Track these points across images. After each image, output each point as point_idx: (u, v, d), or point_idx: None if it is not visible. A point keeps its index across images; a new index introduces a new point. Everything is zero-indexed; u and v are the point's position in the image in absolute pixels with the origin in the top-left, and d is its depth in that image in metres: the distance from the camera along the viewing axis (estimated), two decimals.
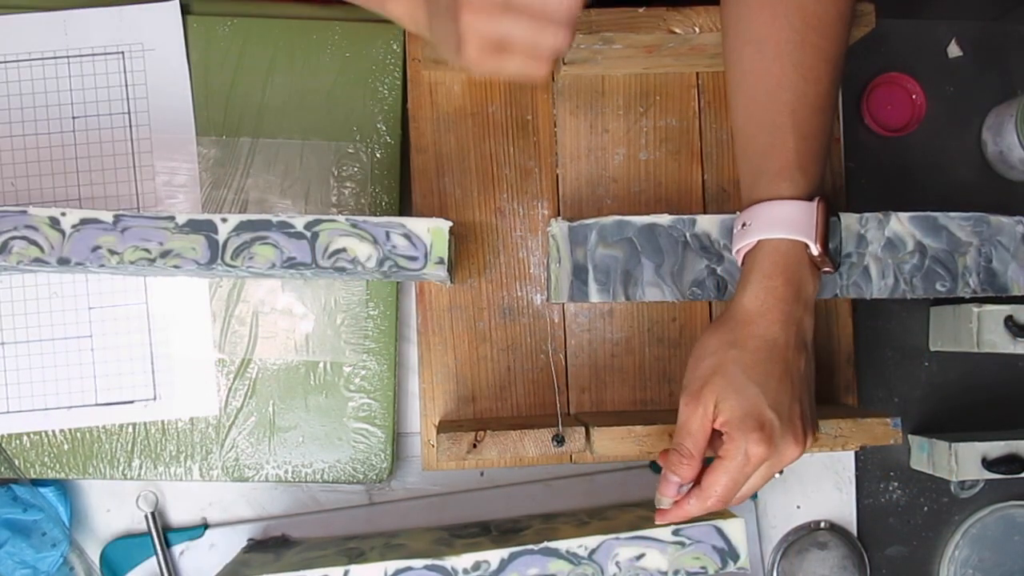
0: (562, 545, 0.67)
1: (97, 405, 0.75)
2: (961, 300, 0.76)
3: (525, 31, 0.49)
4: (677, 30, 0.69)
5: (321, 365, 0.76)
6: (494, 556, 0.66)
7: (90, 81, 0.76)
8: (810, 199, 0.60)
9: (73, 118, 0.76)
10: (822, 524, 0.80)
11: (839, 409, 0.74)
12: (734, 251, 0.63)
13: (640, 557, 0.67)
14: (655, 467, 0.79)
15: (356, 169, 0.77)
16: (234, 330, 0.76)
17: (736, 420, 0.57)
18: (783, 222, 0.59)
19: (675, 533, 0.67)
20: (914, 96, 0.81)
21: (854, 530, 0.80)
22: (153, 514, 0.76)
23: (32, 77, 0.75)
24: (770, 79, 0.60)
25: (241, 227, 0.65)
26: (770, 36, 0.60)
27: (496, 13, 0.49)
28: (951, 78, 0.83)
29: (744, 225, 0.61)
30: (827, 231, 0.61)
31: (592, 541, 0.67)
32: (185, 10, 0.76)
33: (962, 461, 0.74)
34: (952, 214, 0.71)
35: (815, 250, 0.60)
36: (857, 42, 0.71)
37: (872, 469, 0.81)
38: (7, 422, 0.74)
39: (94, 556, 0.76)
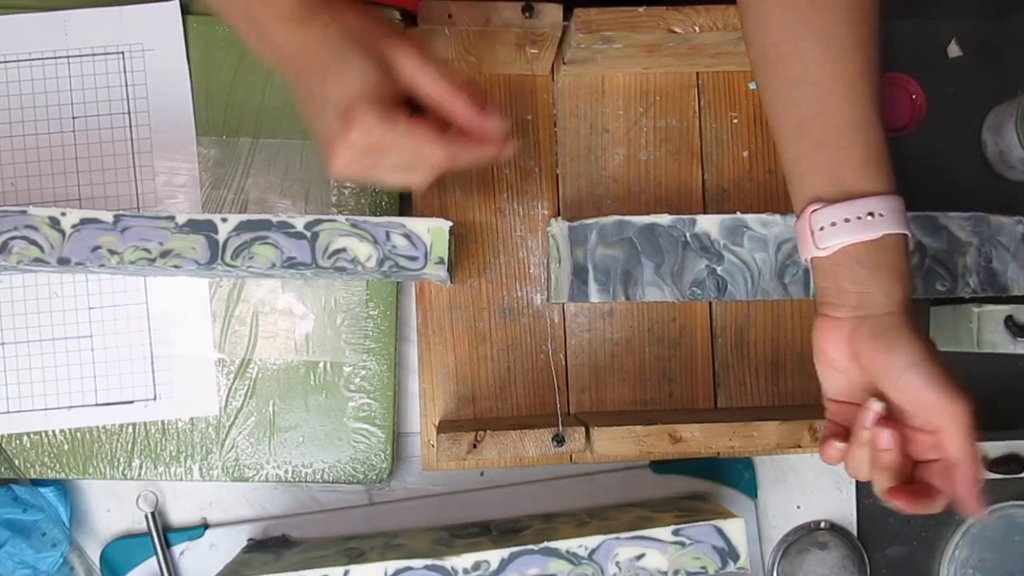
0: (562, 545, 0.67)
1: (97, 405, 0.75)
2: (961, 300, 0.76)
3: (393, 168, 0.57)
4: (677, 29, 0.69)
5: (321, 365, 0.76)
6: (494, 556, 0.66)
7: (90, 81, 0.76)
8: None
9: (73, 118, 0.76)
10: (822, 524, 0.80)
11: None
12: (840, 241, 0.58)
13: (640, 557, 0.67)
14: (655, 467, 0.79)
15: None
16: (234, 330, 0.76)
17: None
18: (904, 217, 0.59)
19: (675, 533, 0.67)
20: (914, 96, 0.81)
21: (854, 530, 0.80)
22: (153, 514, 0.76)
23: (32, 77, 0.75)
24: (847, 74, 0.59)
25: (241, 227, 0.65)
26: (830, 31, 0.59)
27: (373, 151, 0.55)
28: (951, 78, 0.83)
29: (872, 215, 0.58)
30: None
31: (592, 541, 0.67)
32: (185, 10, 0.76)
33: None
34: (952, 214, 0.71)
35: (911, 244, 0.60)
36: None
37: None
38: (7, 422, 0.74)
39: (94, 556, 0.76)
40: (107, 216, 0.64)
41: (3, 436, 0.74)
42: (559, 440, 0.68)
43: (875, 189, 0.59)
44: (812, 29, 0.60)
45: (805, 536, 0.80)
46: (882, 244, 0.58)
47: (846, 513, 0.80)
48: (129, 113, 0.76)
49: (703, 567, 0.67)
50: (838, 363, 0.59)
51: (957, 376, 0.56)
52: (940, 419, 0.55)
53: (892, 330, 0.57)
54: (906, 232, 0.59)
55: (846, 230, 0.58)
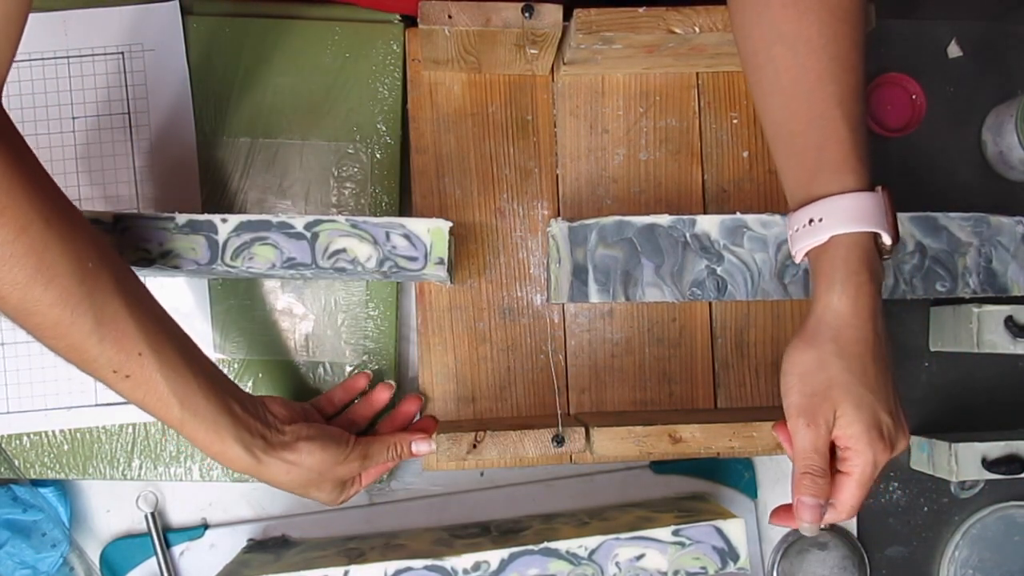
0: (562, 545, 0.67)
1: (97, 405, 0.75)
2: (961, 300, 0.76)
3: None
4: (677, 30, 0.69)
5: (321, 366, 0.76)
6: (494, 556, 0.66)
7: (90, 81, 0.76)
8: (872, 188, 0.59)
9: (73, 118, 0.76)
10: (822, 524, 0.80)
11: None
12: (796, 250, 0.61)
13: (640, 557, 0.67)
14: (655, 467, 0.79)
15: (356, 169, 0.77)
16: (234, 330, 0.76)
17: (862, 434, 0.56)
18: (859, 214, 0.58)
19: (675, 533, 0.67)
20: (914, 96, 0.81)
21: (854, 530, 0.80)
22: (153, 514, 0.76)
23: (32, 77, 0.75)
24: (810, 75, 0.59)
25: (241, 227, 0.65)
26: (800, 33, 0.59)
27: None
28: (951, 78, 0.83)
29: (812, 222, 0.59)
30: (896, 219, 0.60)
31: (592, 541, 0.67)
32: (185, 10, 0.76)
33: (962, 461, 0.74)
34: (952, 214, 0.71)
35: (887, 239, 0.59)
36: None
37: None
38: (7, 422, 0.74)
39: (94, 556, 0.76)
40: (107, 216, 0.64)
41: (3, 436, 0.74)
42: (559, 440, 0.68)
43: (822, 192, 0.59)
44: (782, 32, 0.60)
45: (805, 536, 0.79)
46: (833, 246, 0.58)
47: None
48: (129, 113, 0.76)
49: (703, 567, 0.67)
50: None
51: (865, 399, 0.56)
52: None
53: (816, 340, 0.58)
54: (861, 230, 0.58)
55: (798, 237, 0.60)
